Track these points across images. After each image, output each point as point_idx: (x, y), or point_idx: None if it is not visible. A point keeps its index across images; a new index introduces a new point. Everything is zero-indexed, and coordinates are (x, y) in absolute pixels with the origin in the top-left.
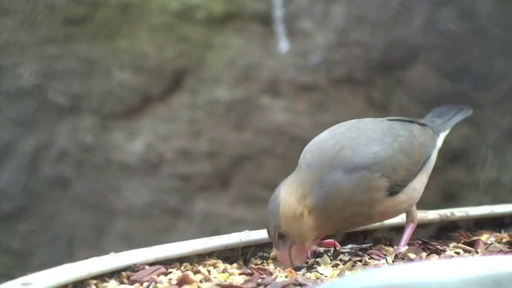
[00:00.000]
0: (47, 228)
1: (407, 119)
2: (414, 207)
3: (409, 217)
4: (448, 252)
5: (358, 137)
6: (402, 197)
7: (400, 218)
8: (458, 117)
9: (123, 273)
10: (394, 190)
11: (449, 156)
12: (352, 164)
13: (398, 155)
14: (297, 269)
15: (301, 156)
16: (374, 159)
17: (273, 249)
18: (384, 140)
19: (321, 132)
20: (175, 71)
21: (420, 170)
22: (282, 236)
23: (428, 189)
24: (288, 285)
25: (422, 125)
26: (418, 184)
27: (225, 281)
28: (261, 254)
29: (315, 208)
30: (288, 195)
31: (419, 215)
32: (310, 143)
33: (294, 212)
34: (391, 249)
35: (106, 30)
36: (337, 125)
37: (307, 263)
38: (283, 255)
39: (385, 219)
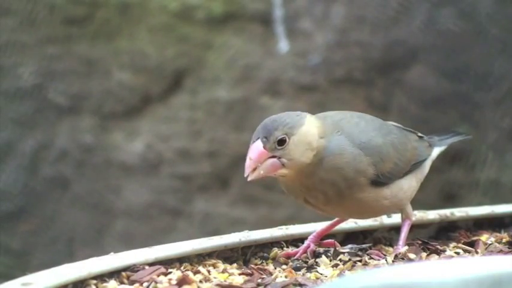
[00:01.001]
0: (47, 228)
1: (404, 127)
2: (408, 205)
3: (404, 214)
4: (448, 252)
5: (358, 119)
6: (386, 192)
7: (400, 218)
8: (456, 138)
9: (123, 273)
10: (379, 180)
11: (449, 156)
12: (352, 139)
13: (389, 147)
14: (297, 269)
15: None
16: (367, 143)
17: (273, 249)
18: (380, 130)
19: None
20: (175, 71)
21: (411, 171)
22: (281, 142)
23: (429, 189)
24: (287, 285)
25: (419, 136)
26: (406, 185)
27: (225, 281)
28: (261, 254)
29: (318, 154)
30: (314, 126)
31: (419, 215)
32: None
33: (310, 141)
34: (390, 249)
35: (106, 30)
36: (338, 111)
37: (306, 263)
38: (260, 155)
39: (362, 213)
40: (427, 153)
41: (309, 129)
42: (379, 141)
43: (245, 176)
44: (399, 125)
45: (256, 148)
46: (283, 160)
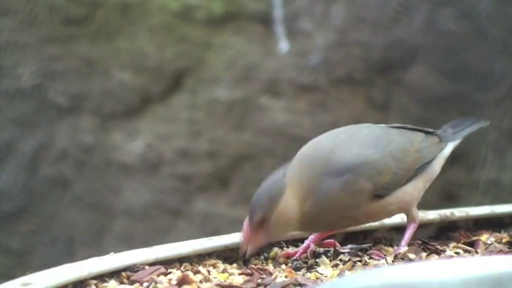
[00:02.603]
0: (47, 228)
1: (411, 126)
2: (415, 208)
3: (410, 217)
4: (448, 252)
5: (351, 140)
6: (391, 199)
7: (400, 218)
8: (472, 128)
9: (123, 273)
10: (380, 193)
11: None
12: (339, 167)
13: (387, 158)
14: (297, 269)
15: (298, 153)
16: (358, 162)
17: (273, 249)
18: (377, 144)
19: (321, 132)
20: (175, 71)
21: (416, 175)
22: (263, 221)
23: (428, 190)
24: (287, 285)
25: (429, 133)
26: (411, 188)
27: (225, 281)
28: (261, 254)
29: (310, 213)
30: (292, 196)
31: (420, 215)
32: (307, 144)
33: (290, 216)
34: (390, 249)
35: (106, 30)
36: (336, 129)
37: (306, 263)
38: (248, 234)
39: (375, 221)
40: (435, 153)
41: (286, 204)
42: (375, 156)
43: (241, 254)
44: (406, 125)
45: (245, 227)
46: (270, 234)
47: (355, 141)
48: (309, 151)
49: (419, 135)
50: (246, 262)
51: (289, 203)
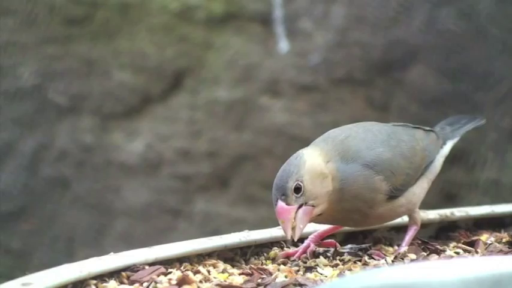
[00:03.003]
0: (47, 228)
1: (411, 125)
2: (417, 209)
3: (412, 219)
4: (448, 252)
5: (365, 134)
6: (401, 201)
7: (400, 218)
8: (469, 126)
9: (123, 273)
10: (393, 194)
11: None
12: (361, 159)
13: (399, 159)
14: (297, 269)
15: (316, 140)
16: (376, 160)
17: (273, 248)
18: (388, 142)
19: (321, 132)
20: (175, 71)
21: (421, 175)
22: (298, 190)
23: (429, 189)
24: (287, 285)
25: (427, 131)
26: (418, 189)
27: (225, 281)
28: (261, 254)
29: (335, 179)
30: (315, 155)
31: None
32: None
33: (321, 171)
34: (391, 249)
35: (106, 30)
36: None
37: (306, 262)
38: (288, 212)
39: (383, 223)
40: (436, 151)
41: (313, 162)
42: (388, 155)
43: (288, 238)
44: (405, 124)
45: (281, 209)
46: (311, 202)
47: (368, 136)
48: (322, 137)
49: (420, 133)
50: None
51: (315, 162)
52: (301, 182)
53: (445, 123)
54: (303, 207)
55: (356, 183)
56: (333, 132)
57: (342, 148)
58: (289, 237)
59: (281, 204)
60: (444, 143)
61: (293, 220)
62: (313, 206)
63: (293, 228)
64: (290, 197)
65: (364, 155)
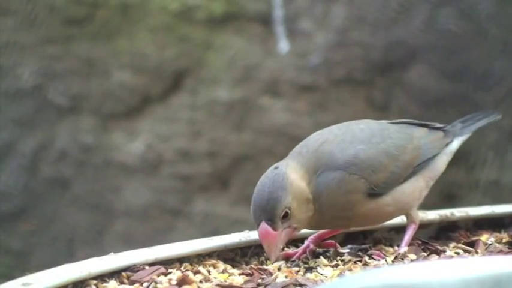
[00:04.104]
0: (47, 228)
1: (416, 121)
2: (415, 209)
3: (410, 219)
4: (448, 253)
5: (344, 135)
6: (387, 200)
7: (400, 218)
8: (483, 122)
9: (123, 274)
10: (375, 192)
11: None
12: (331, 161)
13: (382, 156)
14: (297, 269)
15: (294, 149)
16: (352, 160)
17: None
18: (370, 140)
19: None
20: (175, 71)
21: (414, 173)
22: (285, 216)
23: (429, 190)
24: (288, 285)
25: (434, 128)
26: (410, 188)
27: (225, 281)
28: (261, 254)
29: (315, 199)
30: (299, 178)
31: (420, 216)
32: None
33: (306, 196)
34: (391, 249)
35: (106, 30)
36: (335, 125)
37: (306, 263)
38: (275, 238)
39: (372, 223)
40: (438, 148)
41: (298, 185)
42: (368, 153)
43: (273, 261)
44: (411, 120)
45: (266, 234)
46: (294, 226)
47: (347, 136)
48: (300, 147)
49: (421, 131)
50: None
51: (299, 186)
52: (289, 209)
53: (459, 121)
54: (285, 230)
55: (329, 191)
56: (312, 137)
57: (316, 157)
58: (273, 260)
59: (267, 228)
60: (451, 141)
61: (279, 246)
62: (295, 228)
63: (278, 253)
64: (277, 223)
65: (337, 159)
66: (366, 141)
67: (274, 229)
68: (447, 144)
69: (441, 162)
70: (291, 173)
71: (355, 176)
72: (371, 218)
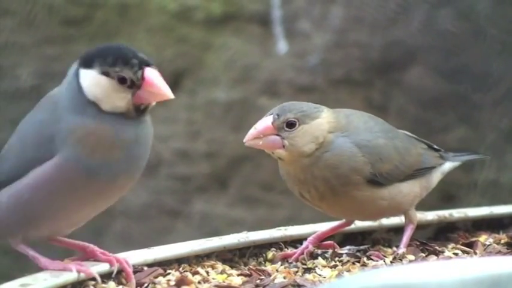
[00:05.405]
0: None
1: (417, 138)
2: (412, 208)
3: (407, 218)
4: (447, 253)
5: (369, 118)
6: (383, 192)
7: (399, 219)
8: (472, 157)
9: (122, 274)
10: (376, 180)
11: None
12: (356, 137)
13: (391, 149)
14: (296, 270)
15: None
16: (368, 143)
17: (271, 250)
18: (386, 133)
19: None
20: (173, 71)
21: (414, 176)
22: (290, 126)
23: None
24: (286, 286)
25: (430, 147)
26: (407, 189)
27: (224, 282)
28: (259, 255)
29: (322, 148)
30: (327, 121)
31: (418, 216)
32: None
33: (318, 135)
34: (389, 250)
35: (105, 30)
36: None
37: (304, 263)
38: (266, 130)
39: (359, 213)
40: (434, 162)
41: (321, 123)
42: (382, 141)
43: (244, 140)
44: (412, 135)
45: (264, 121)
46: (286, 142)
47: (370, 122)
48: (334, 110)
49: (422, 145)
50: None
51: (323, 125)
52: (299, 124)
53: (451, 151)
54: (277, 137)
55: (338, 156)
56: (345, 110)
57: (347, 122)
58: (245, 140)
59: (268, 119)
60: (445, 163)
61: (261, 136)
62: (283, 146)
63: (254, 138)
64: (280, 122)
65: (359, 133)
66: (384, 132)
67: (273, 124)
68: (441, 164)
69: (435, 177)
70: (325, 114)
71: (366, 157)
72: (361, 206)
